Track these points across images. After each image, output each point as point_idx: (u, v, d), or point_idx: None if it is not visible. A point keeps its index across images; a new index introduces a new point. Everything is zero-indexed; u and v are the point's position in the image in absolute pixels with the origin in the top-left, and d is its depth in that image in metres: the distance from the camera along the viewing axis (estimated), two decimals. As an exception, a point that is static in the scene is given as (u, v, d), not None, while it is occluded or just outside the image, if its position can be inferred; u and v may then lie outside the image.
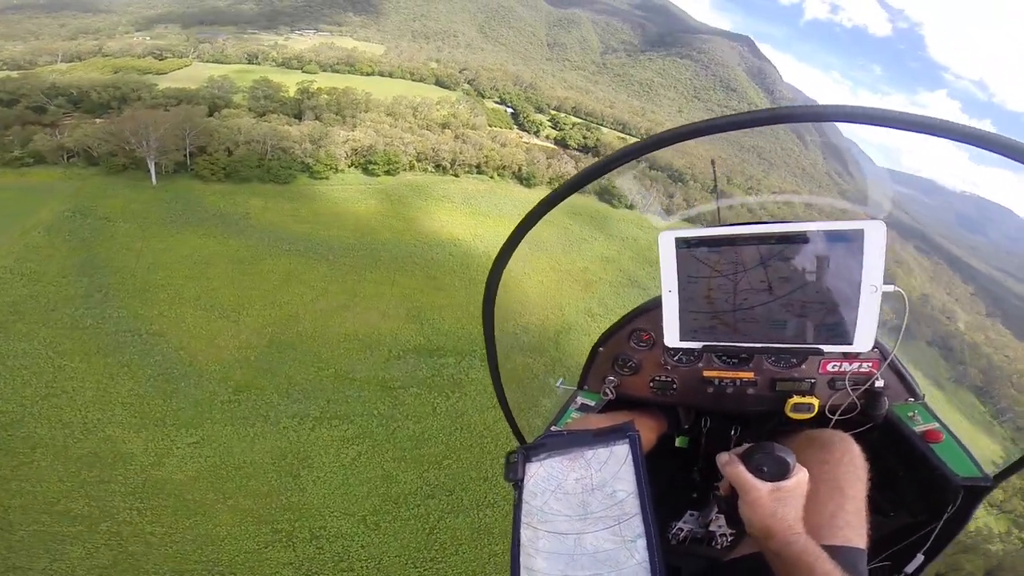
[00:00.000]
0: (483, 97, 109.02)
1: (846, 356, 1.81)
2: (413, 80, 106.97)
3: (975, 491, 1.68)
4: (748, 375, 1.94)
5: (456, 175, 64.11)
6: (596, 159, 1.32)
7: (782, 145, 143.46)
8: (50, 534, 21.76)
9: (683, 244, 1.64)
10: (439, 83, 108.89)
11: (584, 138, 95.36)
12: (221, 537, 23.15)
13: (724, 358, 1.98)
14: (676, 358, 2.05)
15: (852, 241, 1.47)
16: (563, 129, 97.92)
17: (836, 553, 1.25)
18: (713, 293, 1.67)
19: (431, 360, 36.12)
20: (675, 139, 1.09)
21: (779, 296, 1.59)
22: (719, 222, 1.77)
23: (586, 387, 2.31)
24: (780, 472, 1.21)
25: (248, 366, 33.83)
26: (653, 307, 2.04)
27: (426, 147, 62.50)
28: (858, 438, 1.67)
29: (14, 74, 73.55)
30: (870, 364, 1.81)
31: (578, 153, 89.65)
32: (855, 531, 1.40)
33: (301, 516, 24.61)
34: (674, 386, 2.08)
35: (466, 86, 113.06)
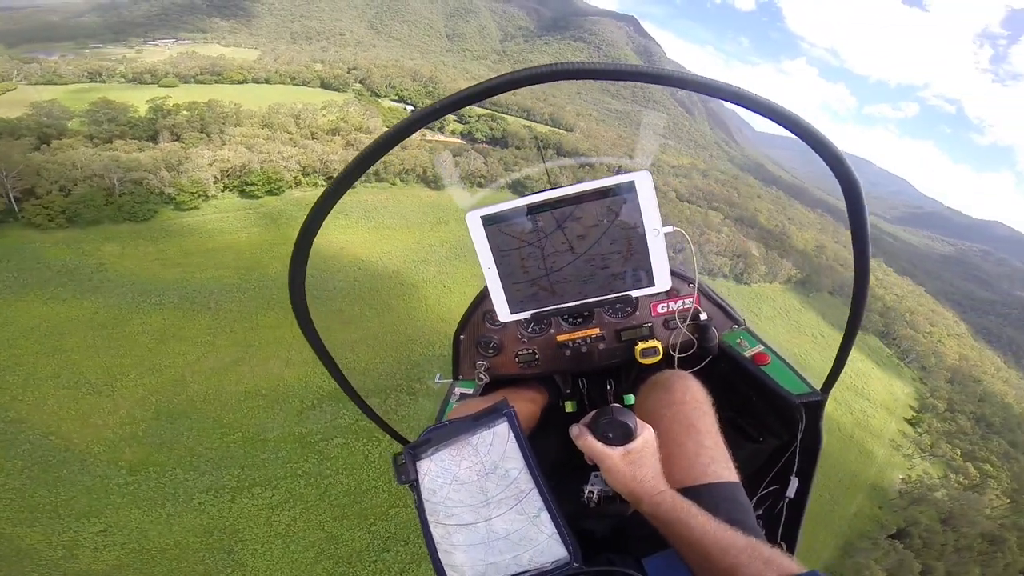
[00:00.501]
0: (378, 97, 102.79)
1: (668, 295, 1.95)
2: (294, 85, 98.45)
3: (812, 406, 1.75)
4: (594, 332, 2.06)
5: (353, 187, 58.57)
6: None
7: (674, 120, 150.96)
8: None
9: (489, 221, 1.67)
10: (325, 86, 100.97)
11: (491, 129, 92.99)
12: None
13: (568, 320, 2.08)
14: (529, 330, 2.11)
15: (628, 192, 1.57)
16: (468, 122, 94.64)
17: (711, 490, 1.32)
18: (526, 262, 1.72)
19: (351, 404, 32.35)
20: (456, 105, 1.05)
21: (581, 254, 1.68)
22: (522, 195, 1.72)
23: (460, 376, 2.30)
24: (625, 435, 1.23)
25: (137, 442, 29.20)
26: None
27: (312, 159, 56.87)
28: (705, 372, 1.79)
29: None
30: (691, 300, 1.94)
31: (486, 146, 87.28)
32: (721, 465, 1.40)
33: (251, 593, 22.38)
34: (536, 357, 2.14)
35: (358, 86, 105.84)
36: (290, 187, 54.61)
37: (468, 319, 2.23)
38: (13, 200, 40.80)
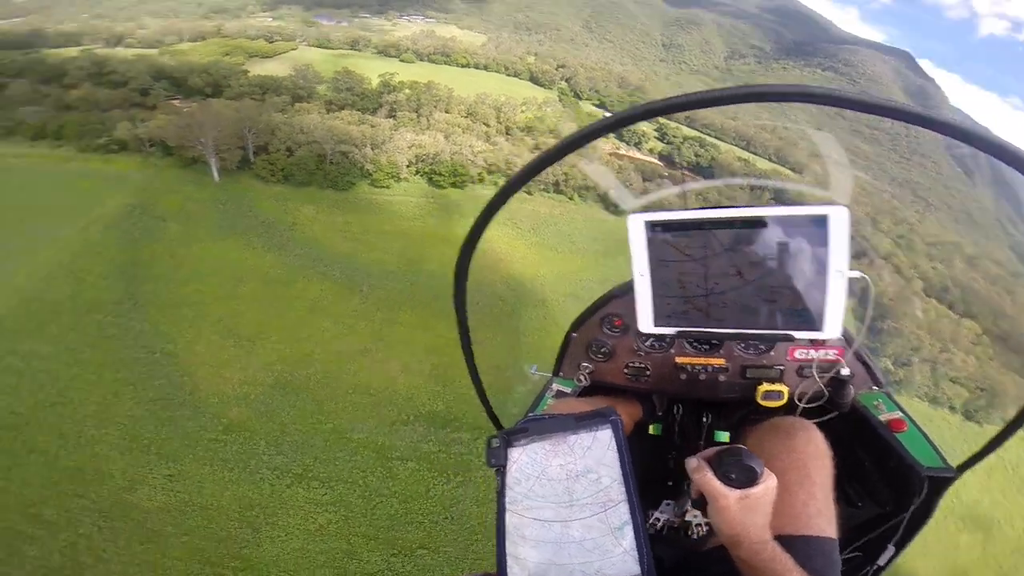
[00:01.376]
0: (579, 99, 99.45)
1: (813, 343, 1.87)
2: (507, 75, 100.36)
3: (939, 481, 1.69)
4: (719, 362, 1.99)
5: (529, 192, 56.36)
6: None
7: (945, 183, 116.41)
8: (14, 532, 23.17)
9: (653, 227, 1.62)
10: (534, 80, 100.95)
11: (696, 156, 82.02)
12: (166, 567, 23.18)
13: (695, 344, 2.03)
14: (648, 344, 2.08)
15: (819, 226, 1.47)
16: (672, 142, 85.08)
17: (811, 544, 1.33)
18: (685, 278, 1.65)
19: (442, 433, 30.41)
20: (634, 119, 1.08)
21: (749, 281, 1.60)
22: (686, 206, 1.69)
23: (561, 374, 2.29)
24: (748, 479, 1.20)
25: (246, 405, 30.62)
26: (625, 292, 2.05)
27: (499, 158, 55.50)
28: (824, 427, 1.71)
29: (130, 54, 78.04)
30: (836, 352, 1.86)
31: (687, 173, 77.01)
32: (826, 520, 1.42)
33: (247, 568, 23.36)
34: (647, 372, 2.11)
35: (562, 84, 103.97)
36: (473, 183, 54.17)
37: (585, 320, 2.21)
38: (252, 153, 47.59)
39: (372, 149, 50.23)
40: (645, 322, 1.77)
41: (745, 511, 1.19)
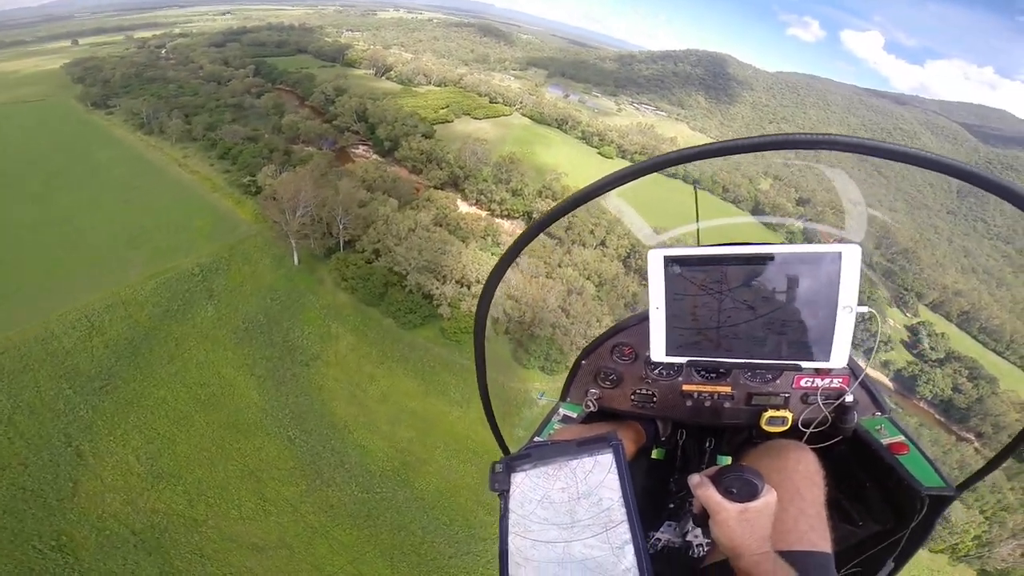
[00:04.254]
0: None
1: (819, 372, 1.91)
2: (722, 198, 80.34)
3: (940, 500, 1.76)
4: (725, 389, 2.05)
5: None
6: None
7: None
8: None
9: (671, 263, 1.67)
10: (756, 210, 78.81)
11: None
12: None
13: (703, 373, 2.09)
14: (657, 372, 2.14)
15: (830, 263, 1.53)
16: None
17: (804, 558, 1.36)
18: (698, 310, 1.70)
19: None
20: (654, 167, 1.16)
21: (761, 315, 1.64)
22: (699, 243, 1.77)
23: (568, 399, 2.33)
24: (749, 493, 1.26)
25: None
26: (636, 323, 2.15)
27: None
28: (826, 450, 1.80)
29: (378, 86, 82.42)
30: (841, 380, 1.91)
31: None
32: (819, 535, 1.46)
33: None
34: (654, 399, 2.17)
35: (796, 226, 78.99)
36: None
37: (595, 348, 2.24)
38: (341, 244, 40.45)
39: (459, 286, 38.25)
40: (658, 351, 1.80)
41: (745, 524, 1.24)
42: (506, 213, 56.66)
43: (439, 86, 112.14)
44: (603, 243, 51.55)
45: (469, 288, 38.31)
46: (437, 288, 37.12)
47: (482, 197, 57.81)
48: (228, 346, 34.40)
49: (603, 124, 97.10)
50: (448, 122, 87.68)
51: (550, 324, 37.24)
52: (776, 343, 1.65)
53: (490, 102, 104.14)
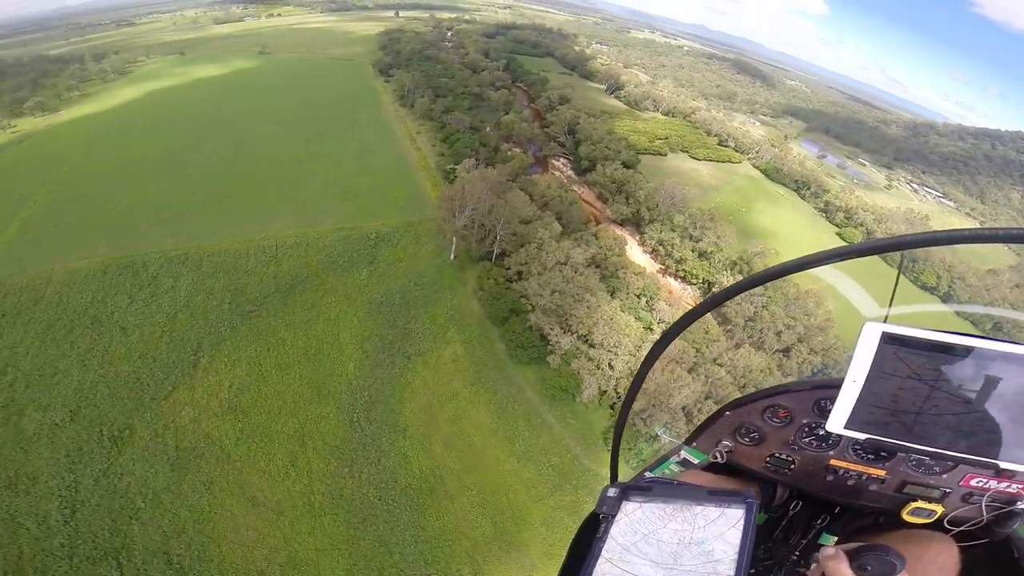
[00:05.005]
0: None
1: (1000, 474, 1.81)
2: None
3: None
4: (880, 472, 1.96)
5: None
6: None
7: None
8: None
9: (889, 339, 1.53)
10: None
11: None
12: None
13: (861, 452, 2.00)
14: (807, 441, 2.07)
15: None
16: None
17: None
18: (902, 393, 1.56)
19: None
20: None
21: (977, 410, 1.51)
22: (931, 327, 1.60)
23: (694, 444, 2.28)
24: (884, 574, 1.23)
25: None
26: (798, 389, 2.09)
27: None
28: (968, 550, 1.73)
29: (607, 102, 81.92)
30: (1020, 486, 1.79)
31: None
32: None
33: None
34: (792, 466, 2.10)
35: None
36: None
37: (745, 403, 2.19)
38: (494, 253, 39.93)
39: (581, 341, 33.98)
40: (836, 423, 1.68)
41: None
42: (681, 274, 49.46)
43: (666, 115, 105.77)
44: (786, 352, 40.94)
45: (591, 347, 33.93)
46: (556, 336, 33.79)
47: (660, 248, 51.49)
48: (359, 313, 37.34)
49: (858, 199, 78.17)
50: (660, 154, 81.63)
51: (660, 423, 30.62)
52: (977, 438, 1.52)
53: (719, 144, 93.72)
